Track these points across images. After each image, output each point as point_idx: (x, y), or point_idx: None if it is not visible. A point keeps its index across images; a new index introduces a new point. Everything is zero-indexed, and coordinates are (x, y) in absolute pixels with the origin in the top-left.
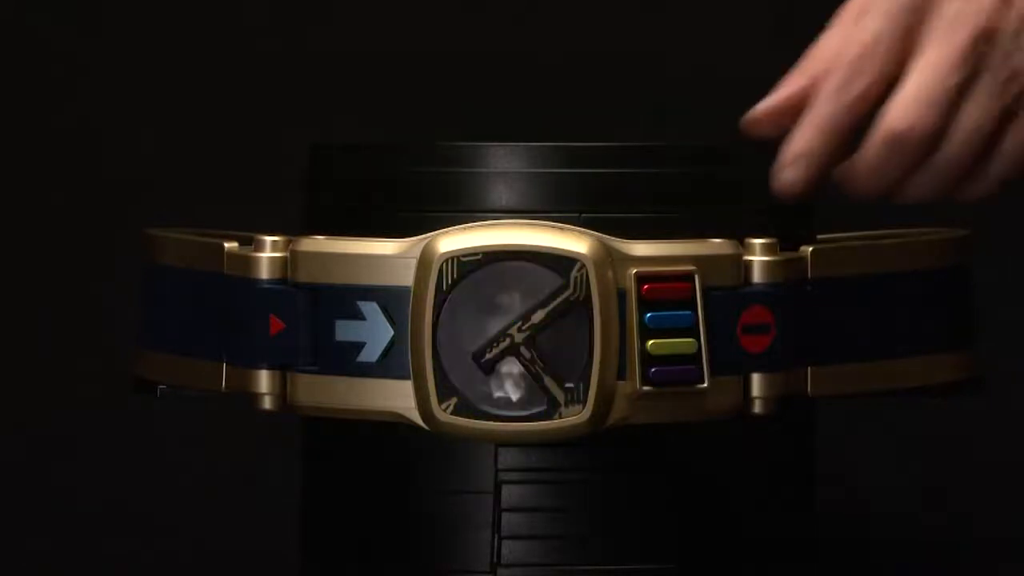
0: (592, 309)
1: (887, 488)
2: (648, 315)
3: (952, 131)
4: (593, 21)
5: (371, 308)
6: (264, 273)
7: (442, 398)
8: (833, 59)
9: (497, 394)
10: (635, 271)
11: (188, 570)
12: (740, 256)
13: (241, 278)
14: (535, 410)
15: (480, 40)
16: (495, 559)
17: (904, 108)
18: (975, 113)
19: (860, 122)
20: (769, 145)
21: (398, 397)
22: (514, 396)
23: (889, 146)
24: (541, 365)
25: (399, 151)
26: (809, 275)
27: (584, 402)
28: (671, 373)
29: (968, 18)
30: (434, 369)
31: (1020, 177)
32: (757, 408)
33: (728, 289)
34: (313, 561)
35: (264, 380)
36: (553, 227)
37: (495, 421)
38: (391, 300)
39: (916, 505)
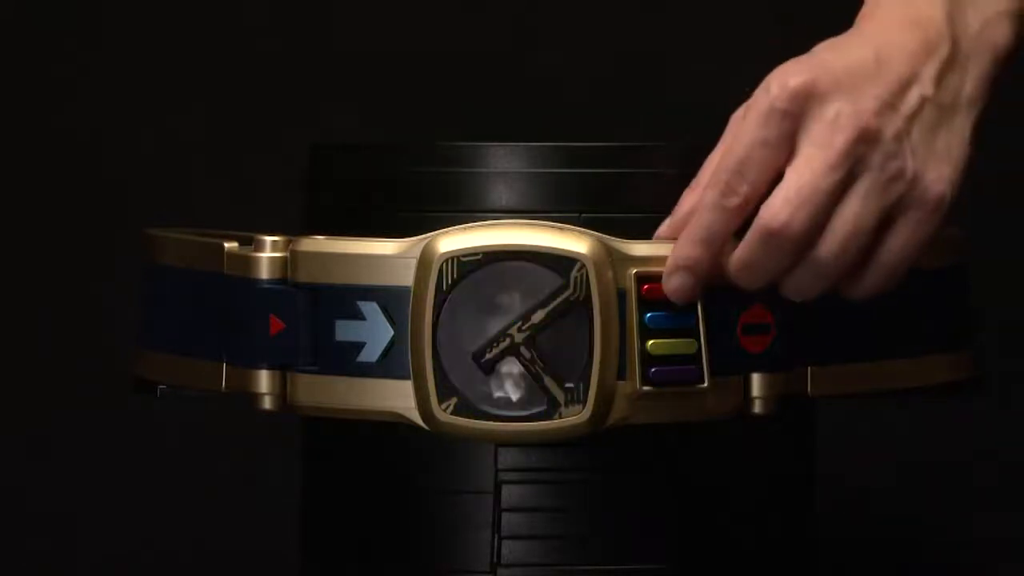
0: (592, 309)
1: (887, 488)
2: (648, 315)
3: (829, 229)
4: (593, 21)
5: (371, 308)
6: (264, 273)
7: (442, 398)
8: (716, 167)
9: (497, 394)
10: (635, 271)
11: (188, 570)
12: None
13: (241, 278)
14: (535, 410)
15: (480, 40)
16: (495, 559)
17: (779, 206)
18: (854, 211)
19: (742, 225)
20: None
21: (398, 397)
22: (514, 396)
23: (764, 242)
24: (541, 365)
25: (399, 151)
26: None
27: (584, 402)
28: (671, 373)
29: (848, 120)
30: (434, 369)
31: (904, 278)
32: (757, 408)
33: (728, 289)
34: (313, 561)
35: (264, 380)
36: (553, 227)
37: (495, 421)
38: (391, 300)
39: (916, 505)
